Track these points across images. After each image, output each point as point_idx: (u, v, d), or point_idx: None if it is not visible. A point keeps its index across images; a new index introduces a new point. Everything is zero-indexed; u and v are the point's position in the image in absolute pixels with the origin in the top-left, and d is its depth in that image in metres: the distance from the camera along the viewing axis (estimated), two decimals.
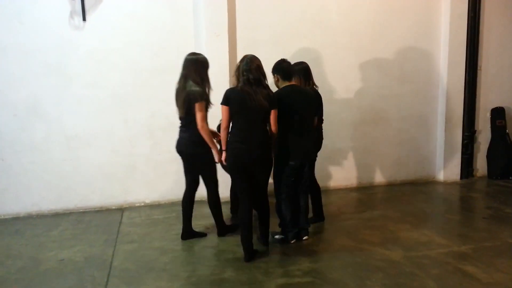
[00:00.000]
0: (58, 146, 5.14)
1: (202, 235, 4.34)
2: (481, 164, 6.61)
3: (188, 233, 4.27)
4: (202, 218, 4.84)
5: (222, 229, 4.32)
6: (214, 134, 4.19)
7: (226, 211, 4.70)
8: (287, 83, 4.00)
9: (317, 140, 4.43)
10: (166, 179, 5.45)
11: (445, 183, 6.25)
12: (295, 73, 4.20)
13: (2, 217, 5.05)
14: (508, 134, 6.48)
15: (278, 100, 3.81)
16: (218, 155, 3.98)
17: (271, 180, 3.99)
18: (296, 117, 3.91)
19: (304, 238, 4.18)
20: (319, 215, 4.68)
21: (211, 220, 4.66)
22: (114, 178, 5.31)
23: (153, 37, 5.24)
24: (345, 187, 6.04)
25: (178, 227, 4.56)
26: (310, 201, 4.44)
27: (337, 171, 6.03)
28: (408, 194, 5.77)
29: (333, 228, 4.50)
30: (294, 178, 4.03)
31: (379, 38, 5.95)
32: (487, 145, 6.58)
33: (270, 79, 4.34)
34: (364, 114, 6.03)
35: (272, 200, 4.08)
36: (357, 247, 4.02)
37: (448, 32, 6.08)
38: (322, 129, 4.59)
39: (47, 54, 5.00)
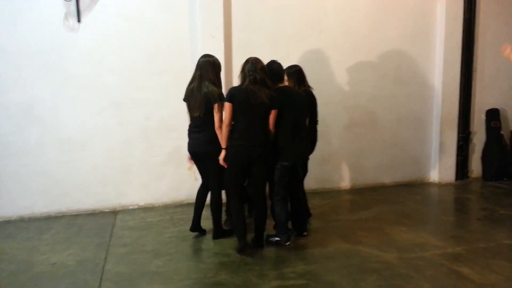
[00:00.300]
0: (52, 149, 5.10)
1: (203, 232, 4.38)
2: (476, 166, 6.62)
3: (196, 227, 4.33)
4: None
5: (218, 233, 4.29)
6: None
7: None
8: (278, 85, 4.03)
9: (311, 142, 4.44)
10: (160, 181, 5.42)
11: (440, 185, 6.25)
12: (288, 75, 4.25)
13: None
14: (502, 135, 6.50)
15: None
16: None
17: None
18: (288, 118, 3.94)
19: (304, 234, 4.27)
20: (306, 211, 4.66)
21: (204, 223, 4.65)
22: (108, 180, 5.28)
23: (149, 39, 5.22)
24: (340, 189, 6.03)
25: (172, 230, 4.56)
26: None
27: (332, 172, 6.02)
28: (403, 195, 5.77)
29: (328, 230, 4.49)
30: (288, 179, 4.04)
31: (375, 39, 5.95)
32: (482, 147, 6.58)
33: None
34: (359, 116, 6.02)
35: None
36: (352, 248, 4.01)
37: (443, 33, 6.09)
38: (317, 130, 4.59)
39: (41, 56, 4.97)
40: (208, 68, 4.04)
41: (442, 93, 6.20)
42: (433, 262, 3.71)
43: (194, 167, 5.36)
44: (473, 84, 6.41)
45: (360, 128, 6.04)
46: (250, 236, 4.07)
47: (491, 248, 3.96)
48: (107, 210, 5.28)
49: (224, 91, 4.20)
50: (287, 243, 4.05)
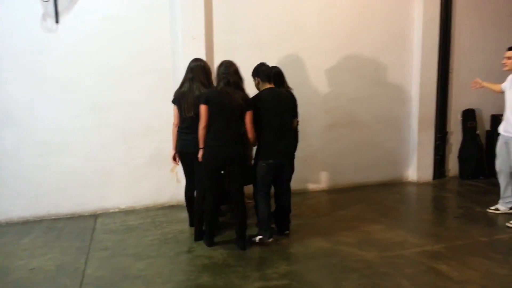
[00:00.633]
0: (30, 152, 5.00)
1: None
2: (453, 165, 6.76)
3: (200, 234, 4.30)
4: (178, 223, 4.80)
5: (200, 233, 4.28)
6: None
7: None
8: (267, 86, 4.16)
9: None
10: (141, 184, 5.37)
11: (418, 184, 6.37)
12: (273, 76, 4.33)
13: None
14: (478, 135, 6.65)
15: (258, 102, 4.03)
16: None
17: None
18: (275, 118, 4.07)
19: (286, 232, 4.35)
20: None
21: (186, 225, 4.65)
22: (87, 183, 5.21)
23: (128, 40, 5.17)
24: (321, 189, 6.08)
25: (154, 233, 4.53)
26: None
27: (313, 173, 6.07)
28: (383, 194, 5.85)
29: (310, 230, 4.53)
30: (272, 177, 4.17)
31: (354, 41, 6.03)
32: (458, 146, 6.72)
33: (250, 83, 4.39)
34: (339, 117, 6.09)
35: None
36: (333, 248, 4.05)
37: (420, 36, 6.21)
38: (298, 131, 4.64)
39: (18, 58, 4.87)
40: (199, 71, 4.17)
41: (419, 94, 6.32)
42: (412, 260, 3.78)
43: (177, 169, 5.38)
44: (449, 85, 6.54)
45: (340, 129, 6.11)
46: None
47: (468, 245, 4.06)
48: (87, 214, 5.20)
49: None
50: (270, 240, 4.14)
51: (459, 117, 6.66)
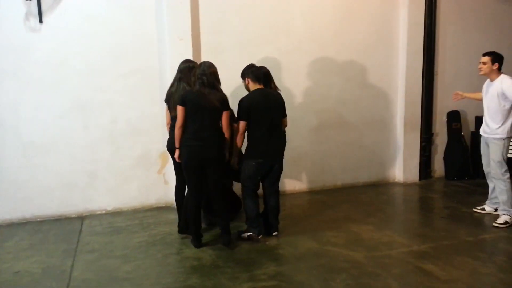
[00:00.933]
0: (13, 153, 4.92)
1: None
2: (438, 166, 6.84)
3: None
4: (166, 224, 4.77)
5: (185, 226, 4.35)
6: None
7: None
8: (257, 86, 4.21)
9: None
10: (128, 185, 5.33)
11: (405, 184, 6.43)
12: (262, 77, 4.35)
13: None
14: (463, 136, 6.75)
15: (248, 102, 4.10)
16: None
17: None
18: (266, 118, 4.14)
19: (274, 233, 4.35)
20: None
21: (174, 227, 4.62)
22: (73, 185, 5.14)
23: (114, 40, 5.13)
24: (309, 190, 6.11)
25: (141, 235, 4.49)
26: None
27: (301, 174, 6.09)
28: (370, 195, 5.90)
29: (298, 230, 4.54)
30: (260, 176, 4.24)
31: (341, 44, 6.07)
32: (444, 147, 6.81)
33: (237, 83, 4.40)
34: (327, 118, 6.12)
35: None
36: (322, 249, 4.07)
37: (406, 39, 6.28)
38: (285, 132, 4.64)
39: (1, 58, 4.79)
40: (187, 72, 4.22)
41: (405, 96, 6.38)
42: (400, 260, 3.82)
43: (165, 170, 5.36)
44: (434, 87, 6.63)
45: (328, 130, 6.14)
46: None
47: (454, 245, 4.11)
48: (73, 216, 5.14)
49: None
50: (259, 236, 4.21)
51: (444, 118, 6.75)
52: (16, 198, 4.97)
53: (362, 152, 6.37)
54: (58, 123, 5.03)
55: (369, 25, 6.19)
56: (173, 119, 4.24)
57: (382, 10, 6.23)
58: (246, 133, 4.25)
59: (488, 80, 4.82)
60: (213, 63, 4.05)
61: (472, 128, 6.87)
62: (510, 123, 4.60)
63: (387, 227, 4.66)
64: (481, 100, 4.93)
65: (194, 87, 3.99)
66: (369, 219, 4.89)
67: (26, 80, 4.90)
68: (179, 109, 3.92)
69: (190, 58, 5.08)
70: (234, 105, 4.21)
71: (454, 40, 6.65)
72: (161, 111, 5.27)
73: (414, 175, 6.56)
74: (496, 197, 4.86)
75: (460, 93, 5.19)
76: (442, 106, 6.72)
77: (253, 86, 4.22)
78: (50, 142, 5.03)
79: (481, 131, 4.89)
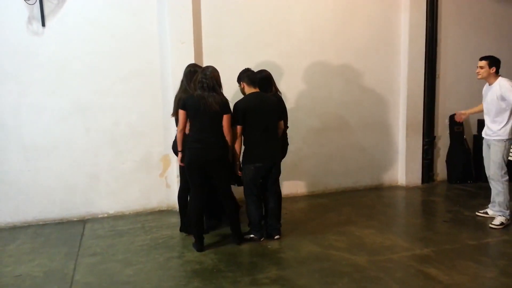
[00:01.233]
0: (15, 156, 4.93)
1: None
2: (441, 169, 6.82)
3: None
4: (168, 228, 4.77)
5: (185, 226, 4.48)
6: None
7: None
8: (252, 90, 4.23)
9: (282, 146, 4.54)
10: (130, 188, 5.33)
11: (407, 188, 6.41)
12: (258, 80, 4.38)
13: None
14: (466, 139, 6.72)
15: (243, 106, 4.12)
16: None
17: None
18: (261, 122, 4.17)
19: (276, 237, 4.36)
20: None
21: (176, 230, 4.62)
22: (75, 188, 5.15)
23: (116, 44, 5.14)
24: (311, 193, 6.09)
25: (143, 238, 4.49)
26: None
27: (303, 177, 6.08)
28: (372, 199, 5.89)
29: (300, 234, 4.53)
30: (261, 179, 4.27)
31: (342, 47, 6.07)
32: (446, 151, 6.79)
33: (235, 87, 4.41)
34: (328, 121, 6.12)
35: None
36: (324, 252, 4.06)
37: (407, 41, 6.28)
38: (287, 135, 4.65)
39: (3, 61, 4.81)
40: (188, 76, 4.31)
41: (407, 99, 6.37)
42: (402, 264, 3.80)
43: (167, 173, 5.37)
44: (436, 90, 6.62)
45: (329, 133, 6.14)
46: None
47: (457, 249, 4.09)
48: (75, 219, 5.14)
49: None
50: (262, 239, 4.27)
51: (446, 121, 6.73)
52: (18, 201, 4.97)
53: (363, 155, 6.36)
54: (60, 126, 5.04)
55: (371, 27, 6.19)
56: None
57: (383, 12, 6.23)
58: (242, 137, 4.25)
59: (486, 84, 4.86)
60: (216, 68, 4.08)
61: (474, 131, 6.85)
62: (511, 124, 4.63)
63: (389, 230, 4.65)
64: (482, 110, 4.95)
65: (195, 91, 4.03)
66: (371, 222, 4.87)
67: (28, 83, 4.91)
68: (180, 113, 4.01)
69: (192, 61, 5.10)
70: None
71: (455, 43, 6.65)
72: (163, 114, 5.29)
73: (416, 178, 6.54)
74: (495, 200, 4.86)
75: (463, 112, 5.22)
76: (444, 109, 6.71)
77: (249, 90, 4.25)
78: (52, 145, 5.04)
79: (483, 133, 4.92)
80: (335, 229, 4.67)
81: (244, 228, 4.34)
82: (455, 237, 4.42)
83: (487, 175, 4.95)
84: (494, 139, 4.70)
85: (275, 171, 4.35)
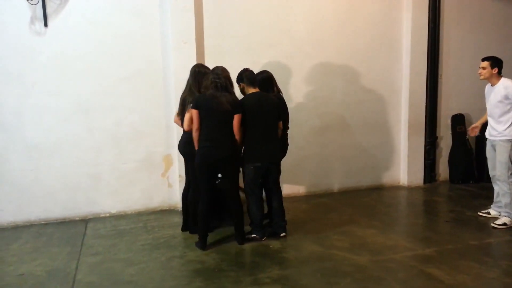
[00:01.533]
0: (18, 156, 4.94)
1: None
2: (443, 169, 6.81)
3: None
4: (170, 227, 4.77)
5: (188, 225, 4.53)
6: None
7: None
8: (252, 90, 4.27)
9: (282, 147, 4.56)
10: (132, 188, 5.33)
11: (409, 188, 6.41)
12: (259, 81, 4.41)
13: None
14: (468, 139, 6.71)
15: (244, 106, 4.14)
16: None
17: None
18: (260, 122, 4.20)
19: (282, 235, 4.39)
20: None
21: (178, 230, 4.63)
22: (77, 188, 5.16)
23: (118, 44, 5.14)
24: (313, 193, 6.09)
25: (145, 238, 4.50)
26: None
27: (305, 177, 6.07)
28: (374, 199, 5.88)
29: (302, 234, 4.52)
30: (261, 179, 4.31)
31: (344, 47, 6.07)
32: (448, 151, 6.79)
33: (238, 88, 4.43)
34: (330, 121, 6.11)
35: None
36: (326, 252, 4.06)
37: (409, 42, 6.27)
38: (287, 135, 4.66)
39: (6, 61, 4.82)
40: (194, 76, 4.35)
41: (409, 99, 6.37)
42: (404, 264, 3.80)
43: (168, 173, 5.38)
44: (438, 91, 6.61)
45: (331, 133, 6.13)
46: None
47: (459, 249, 4.08)
48: (77, 219, 5.15)
49: None
50: (263, 239, 4.28)
51: (448, 122, 6.73)
52: (20, 201, 4.98)
53: (365, 155, 6.36)
54: (62, 126, 5.05)
55: (373, 28, 6.19)
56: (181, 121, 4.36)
57: (386, 13, 6.23)
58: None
59: (489, 85, 4.83)
60: (226, 68, 4.14)
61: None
62: None
63: (391, 230, 4.65)
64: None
65: (208, 91, 4.06)
66: (373, 222, 4.87)
67: (30, 83, 4.92)
68: (194, 113, 4.02)
69: (194, 61, 5.12)
70: None
71: (458, 43, 6.64)
72: (165, 114, 5.30)
73: (418, 178, 6.54)
74: (501, 201, 4.84)
75: (474, 125, 5.11)
76: (447, 109, 6.70)
77: (249, 90, 4.28)
78: (54, 145, 5.05)
79: (487, 134, 4.88)
80: (337, 229, 4.67)
81: (246, 228, 4.34)
82: (457, 237, 4.41)
83: (491, 176, 4.94)
84: (499, 140, 4.67)
85: (275, 171, 4.37)
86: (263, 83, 4.42)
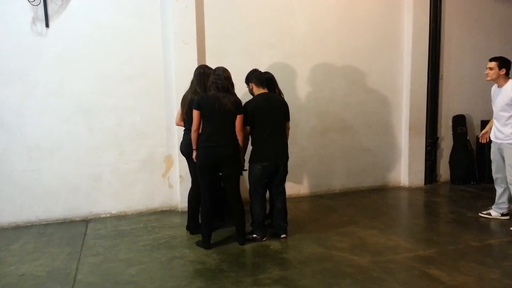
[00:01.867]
0: (19, 156, 4.95)
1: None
2: (444, 170, 6.81)
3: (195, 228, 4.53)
4: (170, 228, 4.77)
5: (192, 225, 4.52)
6: None
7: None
8: (261, 91, 4.28)
9: None
10: (133, 189, 5.34)
11: (410, 189, 6.40)
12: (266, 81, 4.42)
13: None
14: (469, 140, 6.71)
15: (252, 106, 4.17)
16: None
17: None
18: (269, 122, 4.22)
19: (282, 236, 4.40)
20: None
21: (178, 230, 4.63)
22: (78, 188, 5.16)
23: (119, 45, 5.15)
24: (314, 194, 6.09)
25: (146, 238, 4.50)
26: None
27: (306, 178, 6.08)
28: (375, 199, 5.88)
29: (302, 234, 4.52)
30: (267, 179, 4.30)
31: (345, 48, 6.07)
32: (449, 152, 6.78)
33: (242, 88, 4.42)
34: (332, 122, 6.11)
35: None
36: (326, 253, 4.05)
37: (410, 42, 6.27)
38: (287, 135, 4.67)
39: (8, 61, 4.83)
40: (199, 77, 4.34)
41: (410, 100, 6.37)
42: (405, 265, 3.79)
43: (169, 174, 5.38)
44: (439, 91, 6.61)
45: (333, 134, 6.13)
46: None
47: (460, 250, 4.08)
48: (78, 219, 5.15)
49: None
50: (264, 239, 4.30)
51: (449, 122, 6.72)
52: (21, 201, 4.99)
53: (366, 156, 6.35)
54: (63, 126, 5.06)
55: (374, 28, 6.19)
56: (185, 122, 4.39)
57: (387, 13, 6.23)
58: (250, 137, 4.30)
59: (495, 86, 4.71)
60: (227, 68, 4.13)
61: (477, 132, 6.81)
62: None
63: (392, 231, 4.64)
64: None
65: (209, 91, 4.08)
66: (374, 223, 4.86)
67: (31, 84, 4.93)
68: (195, 113, 4.03)
69: (195, 61, 5.13)
70: None
71: (459, 44, 6.64)
72: (166, 114, 5.30)
73: (419, 179, 6.53)
74: (503, 202, 4.83)
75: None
76: (448, 110, 6.70)
77: (257, 91, 4.28)
78: (55, 146, 5.05)
79: (493, 137, 4.77)
80: (338, 229, 4.67)
81: (247, 228, 4.35)
82: (458, 238, 4.40)
83: (494, 178, 4.90)
84: (507, 143, 4.57)
85: (283, 171, 4.38)
86: (266, 83, 4.42)
